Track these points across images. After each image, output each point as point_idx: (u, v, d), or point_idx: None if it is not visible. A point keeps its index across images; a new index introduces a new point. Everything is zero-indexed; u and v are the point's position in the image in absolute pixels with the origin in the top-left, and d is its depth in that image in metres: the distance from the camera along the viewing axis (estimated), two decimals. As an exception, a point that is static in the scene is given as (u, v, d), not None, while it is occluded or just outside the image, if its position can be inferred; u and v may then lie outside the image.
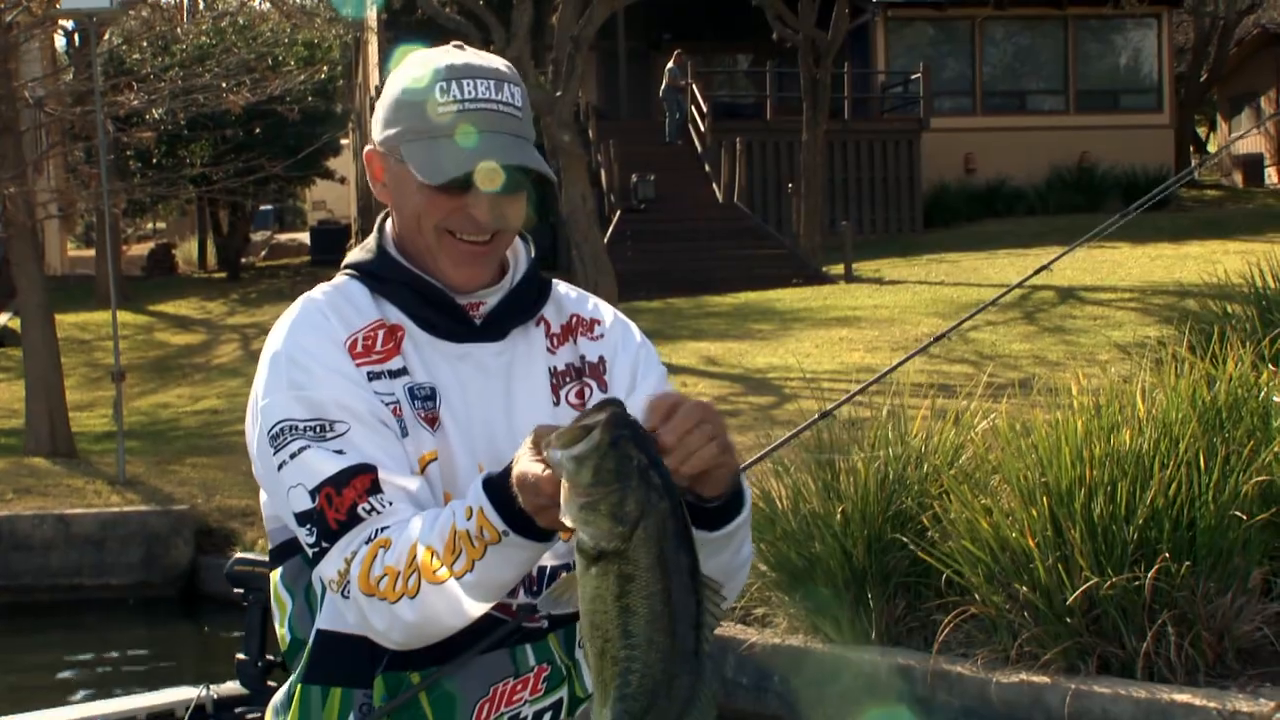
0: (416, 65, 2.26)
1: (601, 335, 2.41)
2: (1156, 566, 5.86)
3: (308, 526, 2.12)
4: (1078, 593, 5.92)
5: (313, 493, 2.11)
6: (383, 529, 2.09)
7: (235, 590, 5.16)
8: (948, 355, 16.72)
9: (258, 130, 24.65)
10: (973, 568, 6.32)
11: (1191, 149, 39.56)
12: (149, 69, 19.00)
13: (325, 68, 24.33)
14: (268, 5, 25.26)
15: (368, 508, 2.09)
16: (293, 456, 2.14)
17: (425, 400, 2.21)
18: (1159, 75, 33.51)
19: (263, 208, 40.16)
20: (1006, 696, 6.15)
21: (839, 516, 6.90)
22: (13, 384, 20.41)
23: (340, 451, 2.12)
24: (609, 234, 23.56)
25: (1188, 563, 5.90)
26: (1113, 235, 22.20)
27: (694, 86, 29.45)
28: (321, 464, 2.12)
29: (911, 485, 6.91)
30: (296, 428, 2.14)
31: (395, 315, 2.26)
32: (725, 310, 21.72)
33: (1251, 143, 38.92)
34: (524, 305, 2.33)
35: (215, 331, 24.69)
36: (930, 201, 30.27)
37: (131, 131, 15.91)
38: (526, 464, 1.93)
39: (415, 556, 2.04)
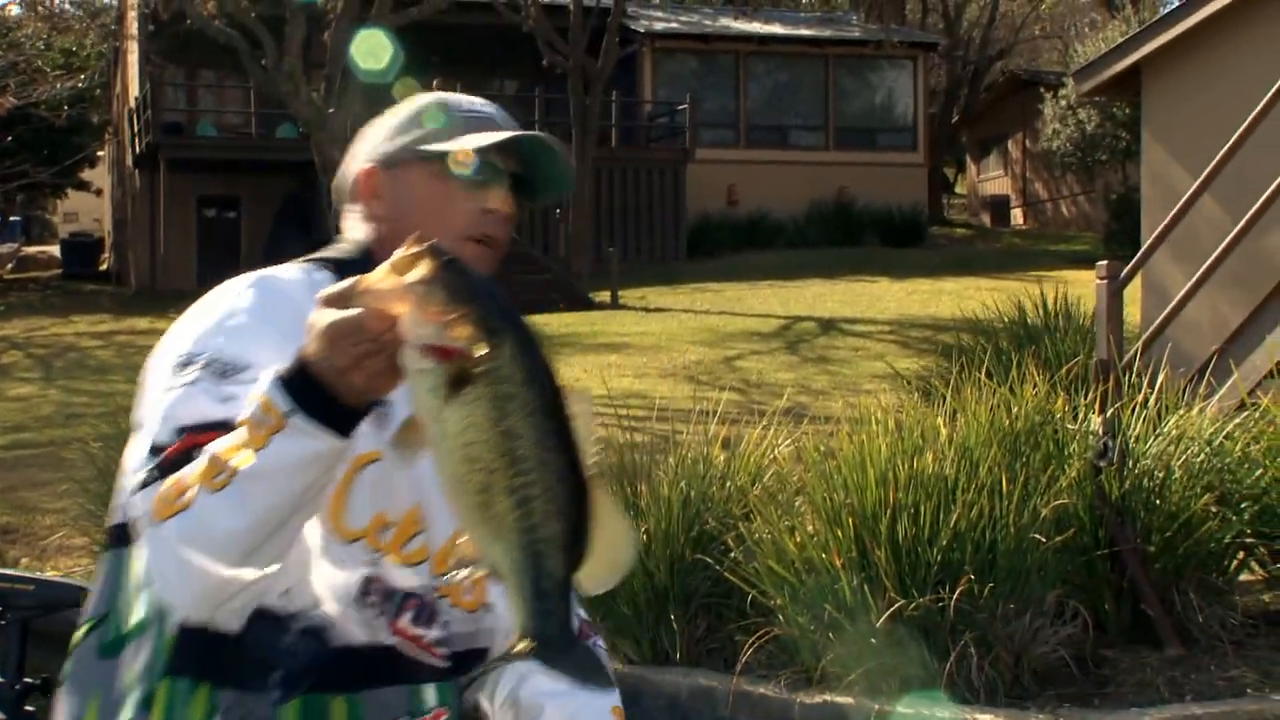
0: (416, 99, 2.23)
1: None
2: (961, 588, 5.97)
3: (154, 458, 1.94)
4: (886, 614, 6.00)
5: (178, 430, 1.94)
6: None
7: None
8: (715, 383, 16.92)
9: (10, 138, 23.84)
10: (777, 588, 6.37)
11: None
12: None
13: (86, 76, 23.65)
14: (19, 9, 24.51)
15: (203, 446, 1.89)
16: (184, 387, 1.98)
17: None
18: (914, 116, 34.47)
19: (11, 219, 38.82)
20: (810, 717, 6.20)
21: (642, 536, 6.89)
22: None
23: (232, 397, 1.94)
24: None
25: (990, 584, 6.04)
26: (871, 270, 22.90)
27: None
28: (205, 408, 1.96)
29: (715, 505, 6.95)
30: (207, 363, 2.00)
31: None
32: (492, 333, 21.64)
33: (998, 184, 40.27)
34: None
35: (-39, 344, 23.72)
36: (694, 231, 30.63)
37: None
38: (334, 314, 1.72)
39: (200, 466, 1.85)
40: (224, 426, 1.91)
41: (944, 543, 6.11)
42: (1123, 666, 6.42)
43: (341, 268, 2.16)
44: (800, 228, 31.38)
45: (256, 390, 1.81)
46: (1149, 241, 8.64)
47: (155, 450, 1.96)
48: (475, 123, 2.19)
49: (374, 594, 2.09)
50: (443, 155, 2.15)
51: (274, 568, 1.93)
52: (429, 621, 2.12)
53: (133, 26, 29.93)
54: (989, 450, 6.35)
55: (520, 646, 1.73)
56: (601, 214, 29.03)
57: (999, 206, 39.08)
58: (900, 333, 19.92)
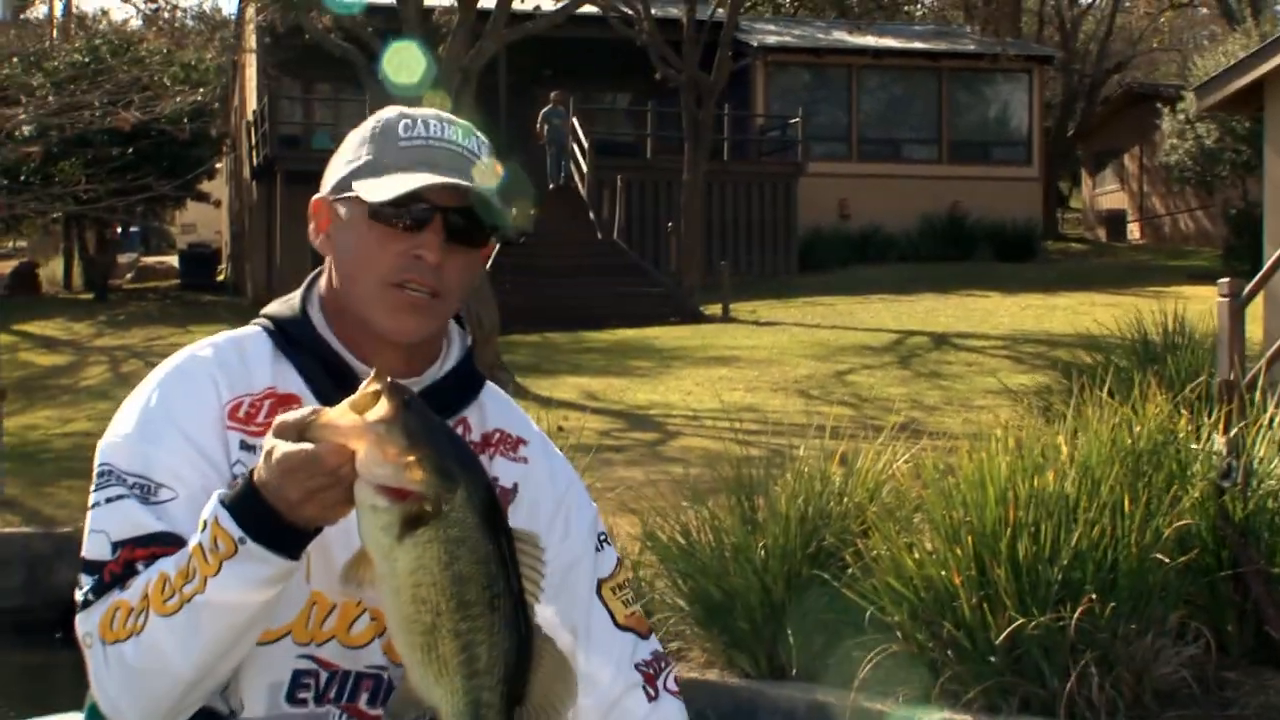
0: (385, 111, 2.17)
1: (524, 459, 2.25)
2: (1082, 607, 5.93)
3: (91, 576, 1.97)
4: (1006, 633, 5.97)
5: (115, 545, 1.96)
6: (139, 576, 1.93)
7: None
8: (826, 397, 16.88)
9: (131, 151, 24.26)
10: (896, 605, 6.36)
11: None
12: (14, 85, 18.68)
13: (206, 90, 24.05)
14: (141, 24, 24.98)
15: (146, 563, 1.93)
16: (109, 501, 2.00)
17: None
18: (1029, 129, 34.18)
19: (131, 229, 39.52)
20: (929, 734, 6.19)
21: (759, 551, 6.92)
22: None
23: (157, 518, 1.97)
24: (487, 266, 23.50)
25: (1112, 604, 5.99)
26: (984, 285, 22.69)
27: (575, 123, 29.51)
28: (136, 520, 1.97)
29: (833, 521, 6.95)
30: (125, 479, 2.00)
31: (294, 383, 2.10)
32: (604, 346, 21.75)
33: (1114, 199, 39.83)
34: (445, 401, 2.13)
35: (83, 353, 24.17)
36: (805, 245, 30.56)
37: (15, 147, 15.58)
38: (288, 447, 1.74)
39: (148, 588, 1.88)
40: (158, 539, 1.94)
41: (1065, 561, 6.07)
42: (1245, 689, 6.34)
43: (282, 328, 2.15)
44: (912, 241, 31.20)
45: (205, 515, 1.84)
46: (1273, 258, 8.53)
47: (92, 566, 1.98)
48: (414, 154, 2.08)
49: (309, 688, 2.07)
50: (376, 201, 2.05)
51: (217, 690, 1.97)
52: (385, 699, 2.09)
53: (250, 40, 30.39)
54: (1111, 469, 6.30)
55: None
56: (713, 227, 29.03)
57: (1114, 221, 38.66)
58: (1013, 348, 19.76)
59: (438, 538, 1.69)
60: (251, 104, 32.07)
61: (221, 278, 37.38)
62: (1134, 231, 38.51)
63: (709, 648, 7.16)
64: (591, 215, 28.09)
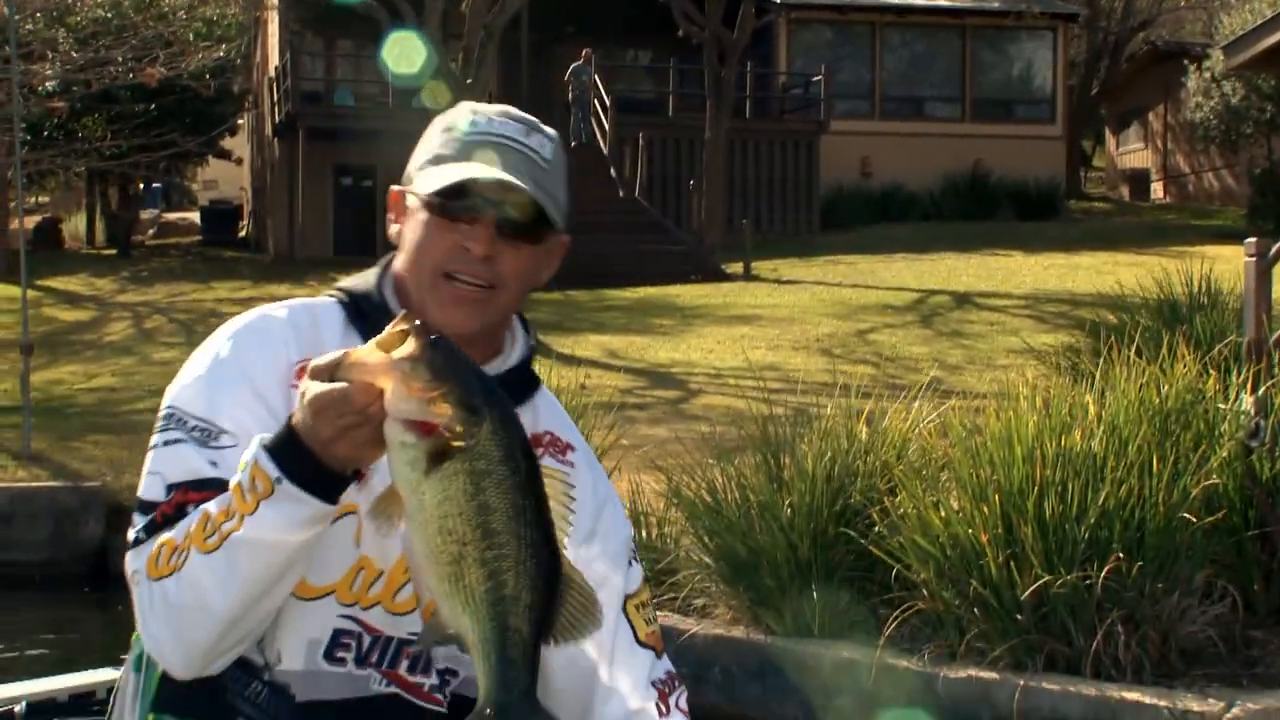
0: (457, 107, 2.22)
1: (571, 464, 2.27)
2: (1109, 566, 5.94)
3: (144, 516, 2.02)
4: (1030, 590, 5.98)
5: (169, 487, 2.01)
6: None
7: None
8: (848, 356, 16.88)
9: (154, 107, 24.27)
10: (922, 563, 6.37)
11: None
12: (39, 40, 18.66)
13: (230, 45, 24.03)
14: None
15: (194, 504, 1.97)
16: (167, 444, 2.05)
17: None
18: (1053, 87, 34.03)
19: (153, 185, 39.56)
20: (954, 691, 6.21)
21: (785, 509, 6.93)
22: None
23: (214, 463, 2.01)
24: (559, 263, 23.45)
25: (1138, 563, 6.00)
26: (1007, 244, 22.55)
27: (597, 80, 29.45)
28: (191, 464, 2.02)
29: (859, 479, 6.96)
30: (186, 422, 2.05)
31: None
32: (625, 304, 21.75)
33: (1138, 157, 39.64)
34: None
35: (106, 309, 24.25)
36: (827, 203, 30.50)
37: (40, 101, 15.60)
38: (319, 387, 1.79)
39: (191, 526, 1.93)
40: (213, 484, 1.97)
41: (1092, 520, 6.07)
42: (1271, 648, 6.35)
43: (356, 303, 2.20)
44: (935, 200, 31.12)
45: (245, 456, 1.89)
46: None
47: (146, 506, 2.03)
48: (475, 148, 2.12)
49: (350, 648, 2.10)
50: (427, 192, 2.11)
51: (257, 633, 2.00)
52: (426, 668, 2.14)
53: (273, -3, 30.35)
54: (1139, 429, 6.29)
55: (484, 713, 1.77)
56: (735, 186, 28.98)
57: (1138, 180, 38.48)
58: (1036, 308, 19.72)
59: (463, 470, 1.73)
60: (273, 60, 32.01)
61: (243, 234, 37.41)
62: (1158, 190, 38.34)
63: (734, 605, 7.18)
64: (613, 173, 28.04)
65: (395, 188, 2.22)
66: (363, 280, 2.23)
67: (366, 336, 2.02)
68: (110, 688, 5.35)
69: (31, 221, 36.87)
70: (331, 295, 2.22)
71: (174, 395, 2.09)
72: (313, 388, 1.80)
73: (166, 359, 18.56)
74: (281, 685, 2.08)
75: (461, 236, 2.09)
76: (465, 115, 2.17)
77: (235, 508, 1.88)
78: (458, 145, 2.13)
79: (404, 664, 2.12)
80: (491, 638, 1.75)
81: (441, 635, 1.79)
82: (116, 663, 5.47)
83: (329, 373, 1.80)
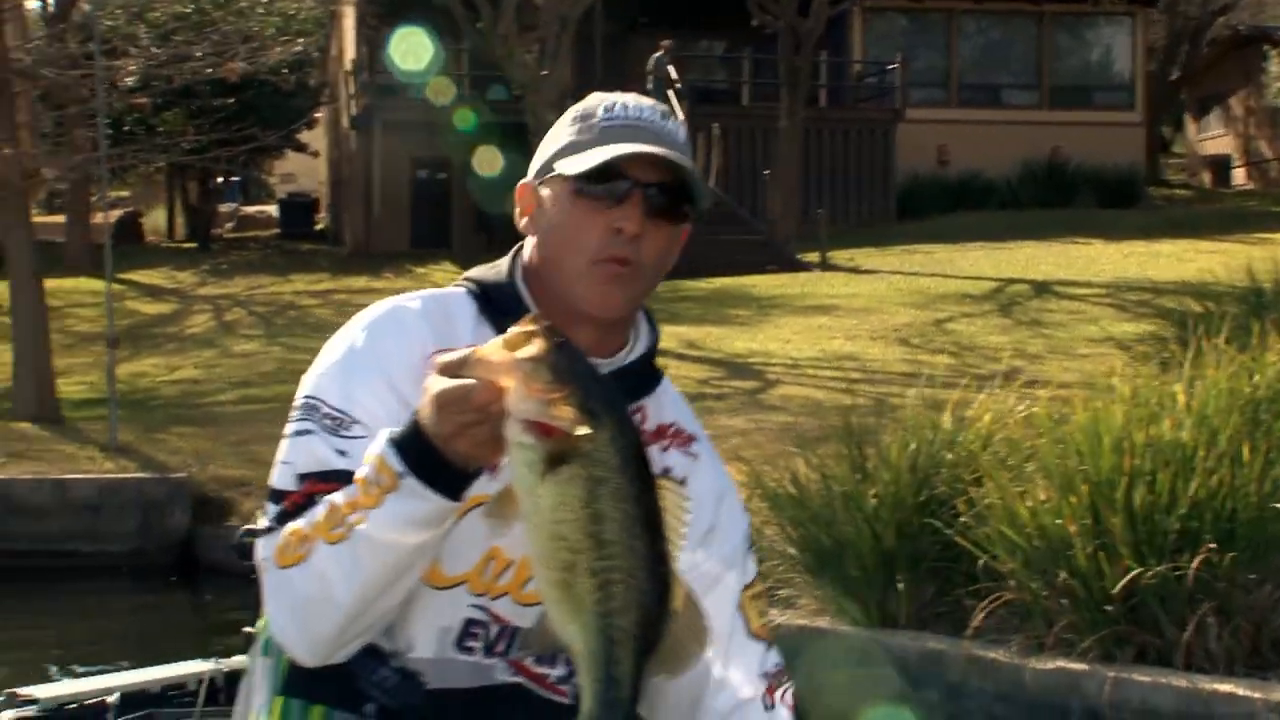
0: (588, 98, 2.21)
1: (695, 454, 2.27)
2: (1200, 557, 5.88)
3: (275, 504, 2.04)
4: (1121, 581, 5.94)
5: (300, 477, 2.03)
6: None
7: (244, 563, 5.02)
8: (926, 346, 16.80)
9: (233, 101, 24.48)
10: (1009, 553, 6.33)
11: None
12: (119, 36, 18.86)
13: (308, 40, 24.19)
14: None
15: (323, 495, 1.98)
16: (298, 434, 2.06)
17: None
18: (1132, 73, 33.68)
19: (232, 179, 39.89)
20: (1043, 683, 6.17)
21: (870, 499, 6.91)
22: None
23: (343, 453, 2.02)
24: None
25: (1230, 554, 5.94)
26: (1086, 231, 22.34)
27: (672, 70, 29.41)
28: (321, 454, 2.03)
29: (944, 470, 6.92)
30: (319, 410, 2.06)
31: None
32: (701, 295, 21.72)
33: (1219, 143, 39.19)
34: (631, 385, 2.17)
35: (187, 301, 24.51)
36: (903, 192, 30.32)
37: (124, 96, 15.82)
38: (443, 382, 1.80)
39: (318, 516, 1.95)
40: (341, 476, 1.98)
41: (1182, 510, 6.02)
42: (1365, 640, 6.27)
43: (487, 293, 2.19)
44: (1012, 188, 30.83)
45: (372, 449, 1.89)
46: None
47: (277, 495, 2.05)
48: (614, 133, 2.11)
49: (479, 638, 2.11)
50: (575, 174, 2.10)
51: (380, 627, 2.02)
52: (552, 660, 2.13)
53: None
54: (1229, 418, 6.23)
55: None
56: (810, 175, 28.85)
57: (1220, 166, 38.03)
58: (1116, 296, 19.53)
59: (580, 475, 1.71)
60: (349, 54, 32.18)
61: (320, 227, 37.66)
62: (1239, 176, 37.88)
63: (819, 595, 7.17)
64: (688, 163, 27.98)
65: (525, 183, 2.20)
66: (494, 270, 2.22)
67: (498, 328, 2.03)
68: (201, 680, 5.42)
69: (112, 216, 37.32)
70: (461, 286, 2.22)
71: (311, 385, 2.11)
72: (437, 383, 1.81)
73: (247, 351, 18.75)
74: (412, 672, 2.09)
75: (613, 218, 2.09)
76: (599, 103, 2.16)
77: (361, 500, 1.89)
78: (596, 132, 2.12)
79: (530, 655, 2.13)
80: (597, 651, 1.73)
81: (548, 641, 1.79)
82: (206, 655, 5.53)
83: (454, 369, 1.80)
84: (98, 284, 22.85)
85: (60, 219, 31.00)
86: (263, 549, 2.03)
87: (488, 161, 20.87)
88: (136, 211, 37.32)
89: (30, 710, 4.90)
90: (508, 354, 1.76)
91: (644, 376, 2.24)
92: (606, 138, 2.10)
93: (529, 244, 2.21)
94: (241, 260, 29.70)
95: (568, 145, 2.14)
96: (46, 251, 28.53)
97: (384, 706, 2.08)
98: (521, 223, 2.20)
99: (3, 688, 4.99)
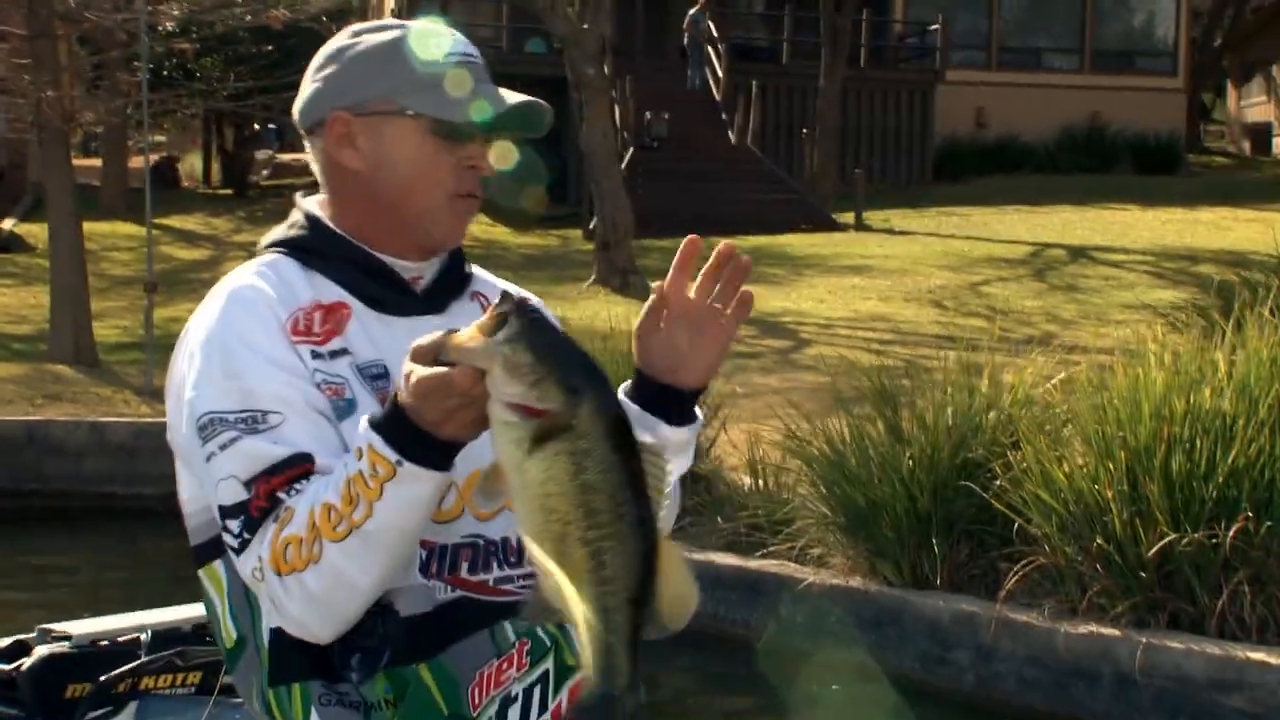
0: (377, 29, 2.19)
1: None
2: (1237, 525, 5.87)
3: (236, 519, 2.00)
4: (1156, 548, 5.93)
5: (248, 483, 1.98)
6: (290, 505, 1.99)
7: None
8: (960, 309, 16.76)
9: (272, 48, 24.48)
10: (1045, 517, 6.33)
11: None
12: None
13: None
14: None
15: (287, 492, 1.98)
16: (223, 447, 2.00)
17: (377, 379, 2.10)
18: (1175, 39, 33.41)
19: (269, 125, 39.90)
20: (1074, 647, 6.18)
21: (906, 461, 6.91)
22: (19, 290, 20.34)
23: (275, 443, 2.00)
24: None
25: (1267, 523, 5.93)
26: (1124, 197, 22.16)
27: (711, 27, 29.30)
28: (258, 453, 1.99)
29: (981, 433, 6.92)
30: (227, 419, 2.01)
31: (334, 293, 2.14)
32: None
33: (1261, 110, 38.88)
34: (458, 277, 2.25)
35: (222, 248, 24.58)
36: (941, 153, 30.20)
37: (165, 41, 15.83)
38: (424, 371, 1.82)
39: (314, 518, 1.94)
40: (291, 462, 1.99)
41: (1220, 479, 6.01)
42: (1400, 611, 6.26)
43: (303, 247, 2.19)
44: (1050, 152, 30.66)
45: (358, 442, 1.92)
46: None
47: (235, 509, 2.00)
48: (462, 70, 2.15)
49: (434, 562, 2.11)
50: (444, 117, 2.13)
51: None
52: (485, 565, 2.14)
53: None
54: (1270, 387, 6.21)
55: (588, 704, 1.82)
56: (848, 135, 28.75)
57: (1261, 134, 37.75)
58: (1154, 263, 19.44)
59: (565, 450, 1.76)
60: (390, 3, 32.14)
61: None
62: (1280, 145, 37.61)
63: (852, 555, 7.18)
64: (725, 120, 27.93)
65: (342, 113, 2.16)
66: (294, 228, 2.21)
67: (330, 274, 2.13)
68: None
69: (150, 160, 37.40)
70: (273, 252, 2.20)
71: (203, 403, 2.05)
72: (416, 371, 1.84)
73: (282, 298, 18.77)
74: (385, 605, 2.07)
75: (464, 156, 2.15)
76: (425, 33, 2.18)
77: (359, 494, 1.91)
78: (438, 67, 2.14)
79: (464, 566, 2.13)
80: (593, 620, 1.76)
81: (546, 611, 1.81)
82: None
83: (431, 355, 1.84)
84: (133, 228, 22.93)
85: (96, 162, 31.10)
86: (246, 563, 2.01)
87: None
88: (173, 157, 37.36)
89: (63, 646, 4.96)
90: (484, 339, 1.79)
91: (461, 267, 2.28)
92: (457, 71, 2.14)
93: (328, 188, 2.21)
94: (276, 208, 29.67)
95: (406, 80, 2.14)
96: (82, 195, 28.71)
97: (365, 651, 2.07)
98: (345, 154, 2.16)
99: (37, 624, 5.03)
